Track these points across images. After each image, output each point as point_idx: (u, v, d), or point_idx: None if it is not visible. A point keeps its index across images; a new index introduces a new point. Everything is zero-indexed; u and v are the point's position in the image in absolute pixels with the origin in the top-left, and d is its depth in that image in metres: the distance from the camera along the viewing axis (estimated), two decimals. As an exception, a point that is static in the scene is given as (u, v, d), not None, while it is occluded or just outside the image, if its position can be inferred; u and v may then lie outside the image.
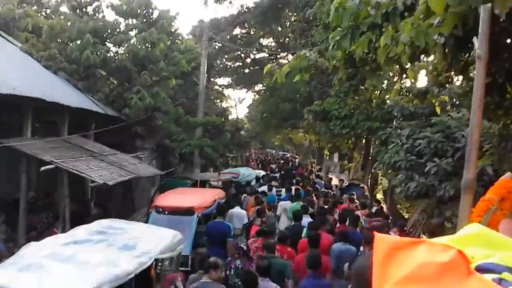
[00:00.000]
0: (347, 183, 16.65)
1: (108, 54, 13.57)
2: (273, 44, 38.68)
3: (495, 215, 1.67)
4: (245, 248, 6.56)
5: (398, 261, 0.96)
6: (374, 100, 14.40)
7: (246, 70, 43.20)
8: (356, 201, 13.00)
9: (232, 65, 42.67)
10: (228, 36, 36.55)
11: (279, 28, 32.90)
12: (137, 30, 13.65)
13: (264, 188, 15.20)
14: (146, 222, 8.27)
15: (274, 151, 53.97)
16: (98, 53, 12.69)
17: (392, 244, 1.00)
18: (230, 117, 36.41)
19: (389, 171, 12.09)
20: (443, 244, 0.98)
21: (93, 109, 11.81)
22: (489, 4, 2.75)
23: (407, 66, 7.41)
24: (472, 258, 0.93)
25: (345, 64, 4.59)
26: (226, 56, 40.44)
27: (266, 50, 39.35)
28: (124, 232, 5.26)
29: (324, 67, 4.96)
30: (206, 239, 8.15)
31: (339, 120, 14.78)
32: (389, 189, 17.22)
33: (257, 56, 40.84)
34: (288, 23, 25.43)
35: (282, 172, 24.01)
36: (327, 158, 37.58)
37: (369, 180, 19.14)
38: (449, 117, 10.30)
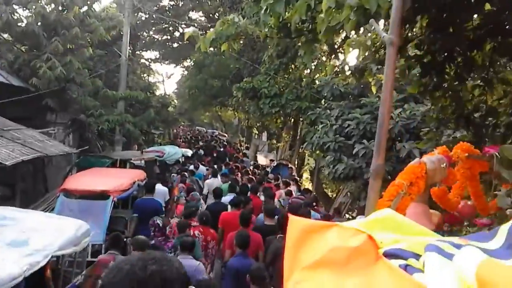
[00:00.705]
0: (275, 163, 16.41)
1: (14, 17, 11.93)
2: (203, 18, 37.43)
3: (404, 200, 1.70)
4: (160, 225, 6.40)
5: (310, 245, 0.97)
6: (304, 79, 14.13)
7: (175, 45, 41.70)
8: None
9: (160, 38, 40.97)
10: (156, 7, 34.81)
11: (208, 2, 31.70)
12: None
13: (191, 166, 14.83)
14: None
15: (204, 129, 53.06)
16: (1, 15, 11.10)
17: (305, 227, 1.01)
18: (157, 93, 35.11)
19: (317, 152, 11.96)
20: (354, 228, 0.99)
21: (-7, 78, 10.35)
22: None
23: (340, 41, 7.07)
24: (381, 243, 0.95)
25: (278, 33, 4.03)
26: (153, 29, 38.68)
27: (196, 24, 38.06)
28: (16, 224, 4.40)
29: (255, 35, 4.36)
30: (136, 216, 7.86)
31: (269, 99, 14.37)
32: (316, 169, 17.28)
33: (186, 30, 39.41)
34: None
35: (212, 151, 23.42)
36: (256, 137, 37.51)
37: (296, 160, 19.12)
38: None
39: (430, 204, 1.89)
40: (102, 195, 7.51)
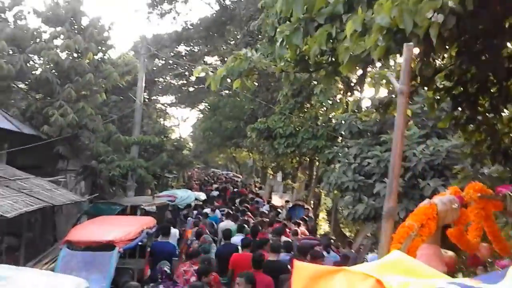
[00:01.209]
0: (291, 204, 15.83)
1: (27, 65, 11.98)
2: (218, 62, 37.91)
3: (415, 241, 1.68)
4: (168, 271, 6.33)
5: None
6: (320, 118, 13.77)
7: (191, 89, 42.13)
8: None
9: (176, 83, 41.48)
10: (172, 54, 35.46)
11: (223, 46, 32.09)
12: (62, 37, 12.17)
13: (208, 210, 14.65)
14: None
15: (219, 171, 52.78)
16: (15, 64, 11.12)
17: (311, 273, 1.01)
18: (173, 136, 35.09)
19: (335, 192, 11.42)
20: (362, 272, 0.98)
21: (3, 126, 10.18)
22: (411, 43, 2.48)
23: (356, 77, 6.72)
24: (390, 287, 0.94)
25: (295, 67, 3.67)
26: (170, 74, 39.25)
27: (211, 68, 38.42)
28: (6, 284, 3.96)
29: (270, 70, 4.02)
30: (151, 259, 8.36)
31: (284, 139, 13.99)
32: (333, 209, 16.61)
33: (202, 74, 39.81)
34: (232, 38, 24.74)
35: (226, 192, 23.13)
36: (271, 177, 36.94)
37: (312, 200, 18.50)
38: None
39: (448, 245, 1.94)
40: (108, 246, 7.06)
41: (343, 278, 0.97)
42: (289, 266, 6.88)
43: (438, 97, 4.43)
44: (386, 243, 2.56)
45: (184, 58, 35.59)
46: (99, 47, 12.48)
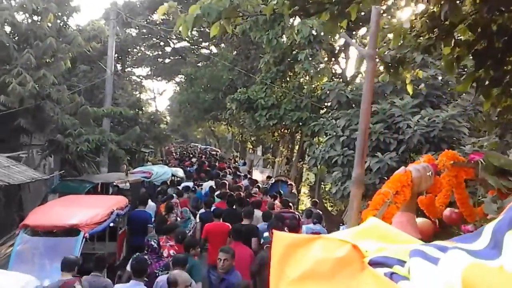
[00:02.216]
0: (273, 180, 15.13)
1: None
2: (195, 32, 36.43)
3: (390, 208, 1.68)
4: (155, 245, 6.39)
5: (295, 259, 0.98)
6: (305, 87, 12.94)
7: (167, 60, 40.81)
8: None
9: (151, 54, 40.01)
10: (146, 21, 33.88)
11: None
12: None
13: (190, 183, 14.80)
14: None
15: (198, 145, 52.02)
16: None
17: (289, 242, 1.02)
18: (149, 110, 33.82)
19: (321, 167, 10.77)
20: (338, 239, 1.01)
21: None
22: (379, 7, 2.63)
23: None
24: (366, 252, 0.96)
25: (291, 7, 2.83)
26: (144, 44, 37.72)
27: (187, 39, 37.07)
28: None
29: (258, 10, 3.17)
30: (128, 228, 8.99)
31: (266, 110, 13.16)
32: (316, 184, 16.05)
33: (178, 45, 38.50)
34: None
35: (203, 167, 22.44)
36: (250, 151, 36.27)
37: (295, 175, 17.88)
38: (391, 104, 9.08)
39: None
40: (72, 231, 6.23)
41: (320, 245, 0.99)
42: (258, 229, 7.62)
43: (458, 54, 3.69)
44: (357, 209, 2.68)
45: (159, 27, 34.18)
46: (61, 9, 11.23)
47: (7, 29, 10.46)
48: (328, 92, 11.18)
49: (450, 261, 0.81)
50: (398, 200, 1.68)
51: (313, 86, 12.62)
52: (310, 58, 11.21)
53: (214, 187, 12.52)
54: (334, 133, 9.73)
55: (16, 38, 10.69)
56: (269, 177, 16.42)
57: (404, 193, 1.69)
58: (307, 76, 12.46)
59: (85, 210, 7.34)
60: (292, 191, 13.72)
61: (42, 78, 10.33)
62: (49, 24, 11.12)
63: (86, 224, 6.40)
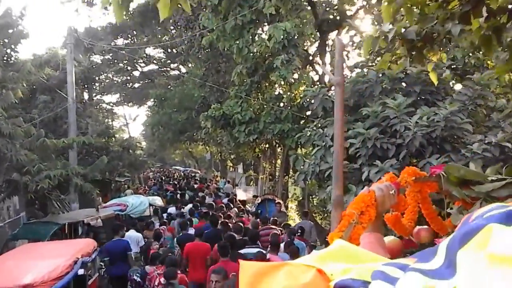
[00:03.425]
0: (259, 199, 14.01)
1: None
2: (161, 54, 35.51)
3: (356, 229, 1.68)
4: (138, 279, 6.32)
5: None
6: (284, 96, 11.92)
7: (136, 85, 39.82)
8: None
9: (119, 80, 38.95)
10: (108, 47, 32.82)
11: (163, 35, 29.53)
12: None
13: (172, 209, 14.70)
14: None
15: (179, 168, 50.81)
16: None
17: (255, 271, 1.02)
18: (124, 136, 32.39)
19: (312, 181, 9.75)
20: (303, 264, 1.02)
21: None
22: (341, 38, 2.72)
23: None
24: (331, 275, 0.96)
25: None
26: (111, 71, 36.64)
27: (155, 61, 36.15)
28: None
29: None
30: (108, 259, 8.87)
31: (243, 125, 12.10)
32: (305, 199, 15.03)
33: (146, 68, 37.63)
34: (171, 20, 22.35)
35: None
36: (231, 170, 35.14)
37: (282, 191, 16.82)
38: (383, 106, 8.15)
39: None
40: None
41: (286, 272, 0.98)
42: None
43: (496, 26, 2.74)
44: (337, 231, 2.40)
45: (123, 52, 33.23)
46: (4, 34, 9.96)
47: None
48: (310, 99, 10.22)
49: (406, 283, 0.82)
50: (364, 220, 1.69)
51: (293, 94, 11.63)
52: (286, 64, 10.24)
53: (194, 209, 12.73)
54: (323, 143, 8.74)
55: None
56: (255, 197, 15.28)
57: (369, 213, 1.71)
58: (285, 84, 11.47)
59: (43, 263, 6.13)
60: (281, 209, 12.64)
61: (-13, 111, 9.07)
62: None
63: (43, 282, 5.18)
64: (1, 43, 10.42)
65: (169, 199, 19.54)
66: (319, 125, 9.75)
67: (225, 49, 12.02)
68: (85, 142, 12.10)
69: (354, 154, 8.22)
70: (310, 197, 15.69)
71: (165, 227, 11.33)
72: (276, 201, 12.91)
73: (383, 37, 2.33)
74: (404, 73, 8.72)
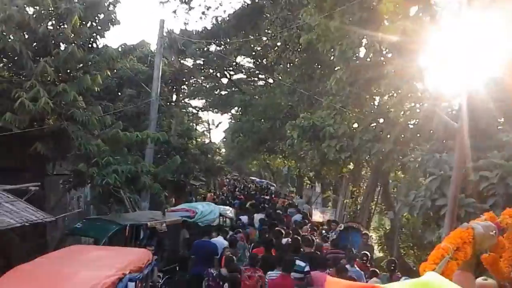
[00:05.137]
0: (341, 226, 12.17)
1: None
2: (252, 65, 34.96)
3: (450, 264, 1.61)
4: (214, 275, 6.70)
5: None
6: (391, 110, 10.04)
7: (223, 92, 39.76)
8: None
9: (207, 86, 39.14)
10: (200, 52, 32.96)
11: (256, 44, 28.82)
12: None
13: (244, 217, 14.56)
14: None
15: (255, 179, 50.25)
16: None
17: None
18: (205, 141, 32.17)
19: (418, 215, 7.85)
20: None
21: None
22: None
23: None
24: None
25: None
26: (200, 76, 36.87)
27: (243, 70, 35.80)
28: None
29: None
30: (194, 257, 9.13)
31: (335, 140, 10.45)
32: (396, 232, 12.92)
33: (235, 77, 37.41)
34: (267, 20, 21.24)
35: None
36: (307, 187, 33.36)
37: (366, 220, 14.81)
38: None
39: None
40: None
41: None
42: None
43: None
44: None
45: (215, 58, 33.18)
46: (91, 14, 9.26)
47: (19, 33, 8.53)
48: (421, 117, 8.31)
49: None
50: (459, 257, 1.63)
51: (402, 110, 9.70)
52: (401, 71, 8.44)
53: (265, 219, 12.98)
54: (441, 172, 6.87)
55: (35, 46, 8.82)
56: (335, 223, 13.46)
57: (465, 250, 1.64)
58: (394, 96, 9.61)
59: (82, 276, 4.99)
60: (368, 242, 10.76)
61: (61, 94, 8.33)
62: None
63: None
64: (88, 25, 9.77)
65: (237, 207, 18.72)
66: (434, 148, 7.86)
67: (325, 52, 10.50)
68: (160, 139, 11.11)
69: (485, 190, 6.28)
70: (401, 229, 13.56)
71: (242, 235, 10.84)
72: (363, 232, 11.02)
73: None
74: None
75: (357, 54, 10.12)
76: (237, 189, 37.58)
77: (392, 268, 7.99)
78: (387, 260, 9.50)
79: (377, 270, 8.19)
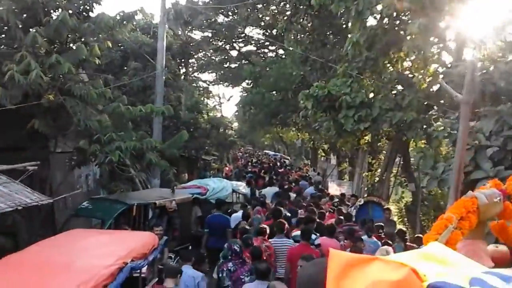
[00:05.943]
0: (361, 201, 11.54)
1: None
2: (261, 36, 33.84)
3: (454, 234, 1.61)
4: (238, 250, 6.46)
5: (351, 278, 0.96)
6: (415, 75, 9.16)
7: (233, 65, 38.87)
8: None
9: (216, 59, 38.26)
10: (207, 22, 32.05)
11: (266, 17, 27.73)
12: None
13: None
14: None
15: (270, 152, 49.95)
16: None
17: (346, 261, 1.00)
18: (217, 115, 31.61)
19: (448, 190, 7.16)
20: (396, 262, 0.98)
21: None
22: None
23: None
24: (424, 276, 0.93)
25: None
26: (209, 49, 35.94)
27: (253, 42, 34.78)
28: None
29: None
30: (207, 230, 9.39)
31: (353, 110, 9.70)
32: (418, 207, 12.25)
33: (244, 49, 36.43)
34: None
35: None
36: (322, 159, 32.72)
37: (387, 194, 14.13)
38: None
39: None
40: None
41: (377, 267, 0.95)
42: None
43: None
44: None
45: (223, 29, 32.16)
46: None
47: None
48: (449, 80, 7.48)
49: None
50: (463, 226, 1.61)
51: (424, 75, 8.84)
52: (424, 31, 7.58)
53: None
54: (475, 142, 6.14)
55: (24, 15, 8.14)
56: (354, 196, 12.80)
57: (470, 220, 1.62)
58: (417, 61, 8.74)
59: (77, 266, 4.46)
60: (390, 218, 10.13)
61: (55, 66, 7.69)
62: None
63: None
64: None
65: (248, 179, 18.54)
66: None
67: (339, 14, 9.64)
68: (164, 112, 10.47)
69: None
70: (423, 202, 12.89)
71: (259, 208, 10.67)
72: (385, 207, 10.38)
73: None
74: None
75: (375, 15, 9.24)
76: (250, 163, 37.20)
77: (405, 238, 8.48)
78: (398, 229, 9.39)
79: (390, 242, 8.14)
